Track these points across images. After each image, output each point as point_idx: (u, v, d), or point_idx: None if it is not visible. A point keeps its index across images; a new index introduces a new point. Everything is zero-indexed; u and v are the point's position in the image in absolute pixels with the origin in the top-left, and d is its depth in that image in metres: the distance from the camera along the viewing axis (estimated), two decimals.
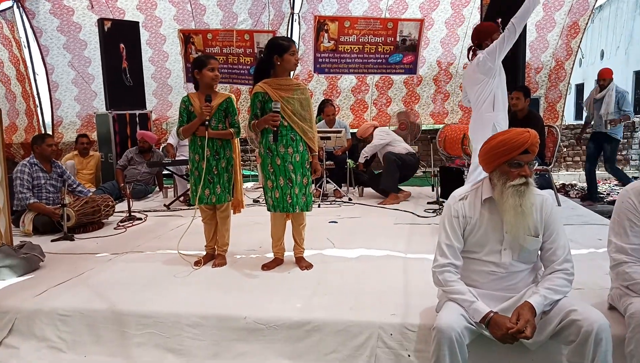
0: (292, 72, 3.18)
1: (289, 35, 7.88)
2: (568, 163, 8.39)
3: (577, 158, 8.34)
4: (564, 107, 7.77)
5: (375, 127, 5.77)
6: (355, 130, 7.71)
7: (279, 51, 2.93)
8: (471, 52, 3.80)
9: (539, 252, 2.07)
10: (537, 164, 1.97)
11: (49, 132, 8.58)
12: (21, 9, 7.85)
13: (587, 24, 7.21)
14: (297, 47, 2.99)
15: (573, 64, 7.53)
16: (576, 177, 8.13)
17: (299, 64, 3.13)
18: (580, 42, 7.34)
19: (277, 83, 2.98)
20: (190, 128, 3.15)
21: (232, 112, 3.27)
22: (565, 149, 8.30)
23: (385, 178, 5.41)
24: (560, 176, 8.08)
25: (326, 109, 6.21)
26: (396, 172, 5.36)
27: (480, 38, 3.72)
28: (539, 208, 2.01)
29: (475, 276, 2.08)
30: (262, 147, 3.06)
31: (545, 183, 5.30)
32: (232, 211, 3.40)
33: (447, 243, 2.05)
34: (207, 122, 3.10)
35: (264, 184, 3.10)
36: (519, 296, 2.00)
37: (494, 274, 2.05)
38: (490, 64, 3.55)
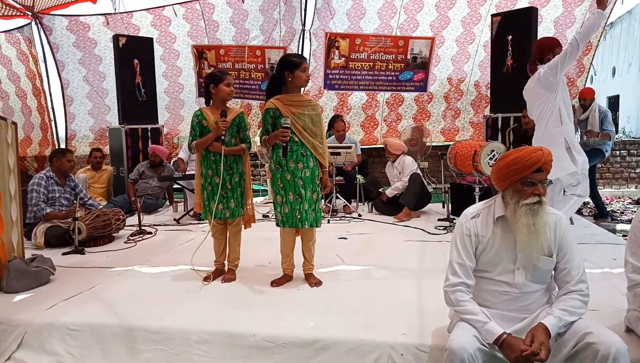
0: (302, 88, 3.20)
1: (299, 52, 7.96)
2: None
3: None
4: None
5: (404, 153, 5.70)
6: (366, 146, 7.73)
7: (290, 67, 2.97)
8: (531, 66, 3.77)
9: (553, 272, 2.03)
10: (550, 182, 1.94)
11: (62, 145, 8.71)
12: (39, 25, 8.03)
13: (599, 41, 7.19)
14: (308, 63, 3.02)
15: (585, 81, 7.49)
16: None
17: (309, 80, 3.17)
18: (593, 59, 7.31)
19: (289, 99, 3.01)
20: (205, 142, 3.18)
21: (243, 128, 3.31)
22: None
23: (407, 194, 5.39)
24: None
25: (336, 124, 6.23)
26: (417, 191, 5.34)
27: (542, 52, 3.69)
28: (552, 227, 1.98)
29: (488, 296, 2.05)
30: (272, 162, 3.07)
31: None
32: (242, 225, 3.40)
33: (459, 262, 2.03)
34: (223, 137, 3.13)
35: (273, 199, 3.11)
36: (532, 317, 1.96)
37: (507, 294, 2.02)
38: (551, 78, 3.53)
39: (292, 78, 2.98)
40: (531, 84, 3.75)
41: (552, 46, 3.66)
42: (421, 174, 5.50)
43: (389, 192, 5.54)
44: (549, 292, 2.07)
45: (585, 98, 5.94)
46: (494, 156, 4.39)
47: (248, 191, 3.35)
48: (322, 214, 3.21)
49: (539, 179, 1.94)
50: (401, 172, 5.57)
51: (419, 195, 5.36)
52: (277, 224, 3.11)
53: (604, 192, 8.00)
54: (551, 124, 3.61)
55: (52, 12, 7.93)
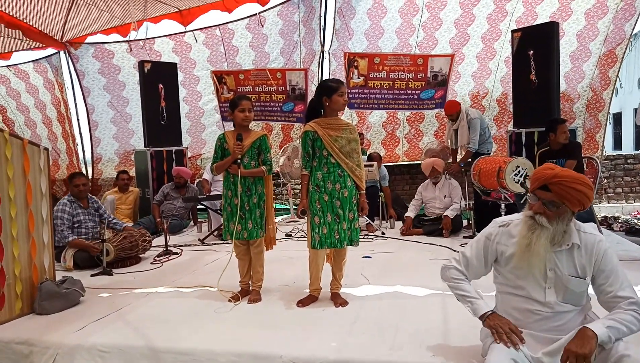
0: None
1: (319, 72, 8.04)
2: (609, 194, 8.11)
3: (619, 190, 8.06)
4: (603, 137, 7.53)
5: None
6: (387, 163, 7.68)
7: (327, 92, 3.04)
8: None
9: (599, 296, 1.96)
10: (559, 206, 1.88)
11: (89, 169, 8.91)
12: (67, 53, 8.32)
13: (624, 53, 7.07)
14: (345, 88, 3.09)
15: (612, 93, 7.35)
16: (619, 209, 7.84)
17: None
18: (619, 71, 7.18)
19: (327, 123, 3.07)
20: (223, 165, 3.27)
21: (264, 150, 3.35)
22: (605, 181, 8.04)
23: (435, 222, 5.45)
24: (602, 209, 7.80)
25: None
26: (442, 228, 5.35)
27: None
28: (589, 249, 1.94)
29: (518, 314, 2.02)
30: (311, 184, 3.10)
31: (586, 215, 5.11)
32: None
33: (467, 255, 2.14)
34: (239, 161, 3.20)
35: (310, 220, 3.10)
36: (566, 338, 1.89)
37: (538, 313, 1.97)
38: None
39: (329, 103, 3.04)
40: None
41: None
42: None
43: (450, 213, 5.43)
44: (584, 313, 2.01)
45: (451, 114, 5.65)
46: (519, 172, 4.33)
47: (269, 213, 3.37)
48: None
49: (541, 197, 1.92)
50: (446, 195, 5.58)
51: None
52: (314, 247, 3.06)
53: (635, 206, 7.80)
54: None
55: (80, 42, 8.20)
